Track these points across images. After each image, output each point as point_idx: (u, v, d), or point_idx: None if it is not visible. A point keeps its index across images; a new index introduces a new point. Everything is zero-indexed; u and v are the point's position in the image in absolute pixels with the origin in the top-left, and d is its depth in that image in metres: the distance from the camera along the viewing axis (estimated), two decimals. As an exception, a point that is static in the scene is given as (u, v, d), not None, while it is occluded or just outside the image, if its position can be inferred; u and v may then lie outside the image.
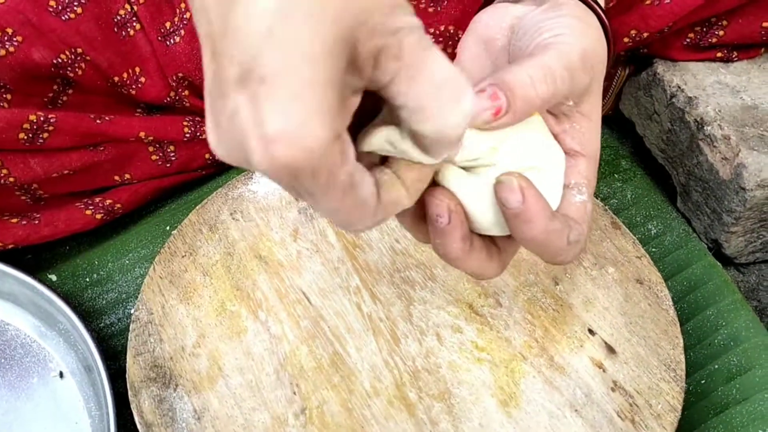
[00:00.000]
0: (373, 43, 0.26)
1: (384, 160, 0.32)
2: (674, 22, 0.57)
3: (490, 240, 0.37)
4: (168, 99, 0.58)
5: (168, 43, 0.57)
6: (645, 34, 0.58)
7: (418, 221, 0.36)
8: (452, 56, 0.50)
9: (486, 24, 0.40)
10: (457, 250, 0.35)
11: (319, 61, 0.25)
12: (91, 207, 0.59)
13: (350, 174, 0.27)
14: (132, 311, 0.52)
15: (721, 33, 0.60)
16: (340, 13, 0.25)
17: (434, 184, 0.35)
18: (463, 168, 0.35)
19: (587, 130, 0.37)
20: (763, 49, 0.63)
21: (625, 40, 0.59)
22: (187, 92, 0.59)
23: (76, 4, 0.53)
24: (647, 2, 0.57)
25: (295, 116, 0.25)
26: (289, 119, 0.25)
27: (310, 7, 0.24)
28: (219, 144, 0.28)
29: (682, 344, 0.49)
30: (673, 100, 0.59)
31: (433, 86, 0.27)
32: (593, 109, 0.37)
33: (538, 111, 0.36)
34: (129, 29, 0.56)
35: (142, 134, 0.58)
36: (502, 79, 0.33)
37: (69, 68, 0.54)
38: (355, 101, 0.28)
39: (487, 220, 0.35)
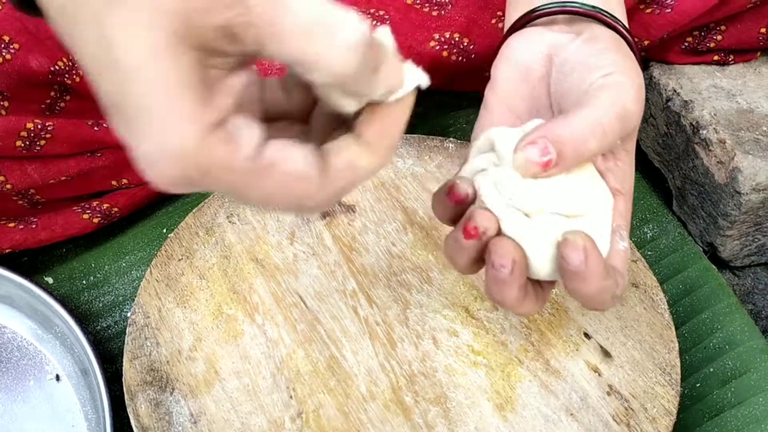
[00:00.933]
0: (213, 22, 0.25)
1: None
2: (674, 30, 0.57)
3: (536, 282, 0.38)
4: None
5: None
6: (645, 42, 0.58)
7: (444, 200, 0.38)
8: (459, 63, 0.50)
9: (521, 51, 0.41)
10: (513, 299, 0.36)
11: (157, 72, 0.24)
12: (88, 211, 0.59)
13: (252, 157, 0.26)
14: (129, 314, 0.52)
15: (719, 38, 0.60)
16: (162, 17, 0.24)
17: (498, 232, 0.36)
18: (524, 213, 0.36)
19: (627, 166, 0.38)
20: (759, 53, 0.63)
21: None
22: None
23: None
24: (648, 11, 0.57)
25: (158, 130, 0.25)
26: (153, 136, 0.25)
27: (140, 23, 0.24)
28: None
29: (677, 348, 0.49)
30: (669, 103, 0.59)
31: (303, 34, 0.25)
32: (634, 143, 0.38)
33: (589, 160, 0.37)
34: None
35: None
36: (554, 132, 0.34)
37: (66, 75, 0.54)
38: (238, 80, 0.27)
39: (544, 269, 0.36)
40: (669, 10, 0.56)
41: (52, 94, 0.56)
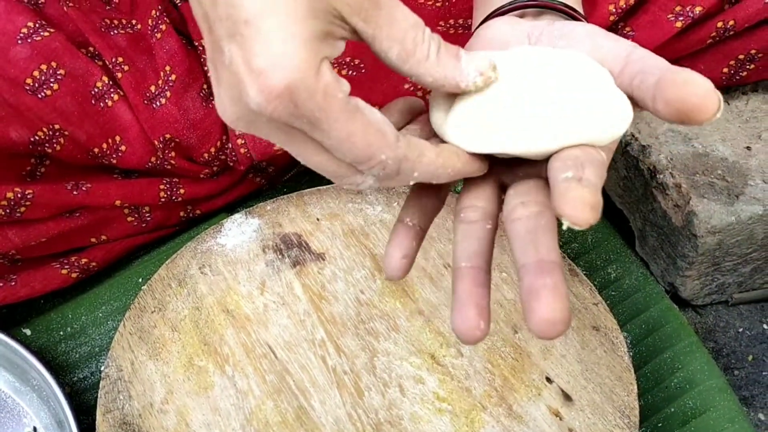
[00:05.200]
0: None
1: None
2: None
3: None
4: (149, 164, 0.60)
5: (154, 105, 0.58)
6: None
7: None
8: (468, 36, 0.52)
9: (496, 29, 0.42)
10: None
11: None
12: (66, 266, 0.60)
13: (347, 94, 0.31)
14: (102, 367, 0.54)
15: None
16: None
17: None
18: None
19: None
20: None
21: None
22: (173, 153, 0.60)
23: (52, 80, 0.55)
24: None
25: (279, 44, 0.28)
26: (273, 48, 0.28)
27: None
28: (224, 102, 0.31)
29: (636, 390, 0.51)
30: (628, 148, 0.61)
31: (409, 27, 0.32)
32: None
33: None
34: (107, 100, 0.58)
35: (117, 202, 0.59)
36: None
37: (47, 144, 0.55)
38: (341, 46, 0.32)
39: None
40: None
41: (32, 161, 0.57)
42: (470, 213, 0.36)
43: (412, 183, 0.34)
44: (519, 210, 0.33)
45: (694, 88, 0.31)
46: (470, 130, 0.35)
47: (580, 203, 0.29)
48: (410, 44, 0.32)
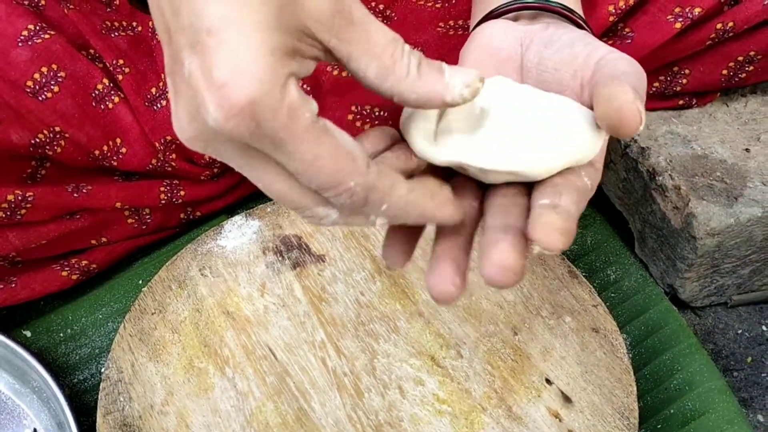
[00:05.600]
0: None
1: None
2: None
3: None
4: (150, 166, 0.60)
5: (155, 107, 0.59)
6: None
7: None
8: (467, 36, 0.52)
9: (490, 35, 0.42)
10: None
11: (261, 6, 0.27)
12: (67, 268, 0.60)
13: (315, 114, 0.29)
14: (103, 369, 0.54)
15: (685, 81, 0.62)
16: None
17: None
18: None
19: None
20: (718, 93, 0.65)
21: None
22: (174, 155, 0.60)
23: (53, 82, 0.55)
24: (609, 43, 0.59)
25: (242, 55, 0.26)
26: (236, 59, 0.26)
27: None
28: (180, 119, 0.29)
29: (635, 392, 0.51)
30: (627, 150, 0.61)
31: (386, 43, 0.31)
32: None
33: None
34: (108, 102, 0.58)
35: (118, 204, 0.59)
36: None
37: (47, 147, 0.55)
38: (310, 67, 0.30)
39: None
40: (629, 41, 0.58)
41: (33, 163, 0.57)
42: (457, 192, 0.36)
43: (379, 224, 0.32)
44: (498, 189, 0.35)
45: (615, 103, 0.32)
46: (451, 145, 0.35)
47: (551, 228, 0.30)
48: (389, 60, 0.30)
